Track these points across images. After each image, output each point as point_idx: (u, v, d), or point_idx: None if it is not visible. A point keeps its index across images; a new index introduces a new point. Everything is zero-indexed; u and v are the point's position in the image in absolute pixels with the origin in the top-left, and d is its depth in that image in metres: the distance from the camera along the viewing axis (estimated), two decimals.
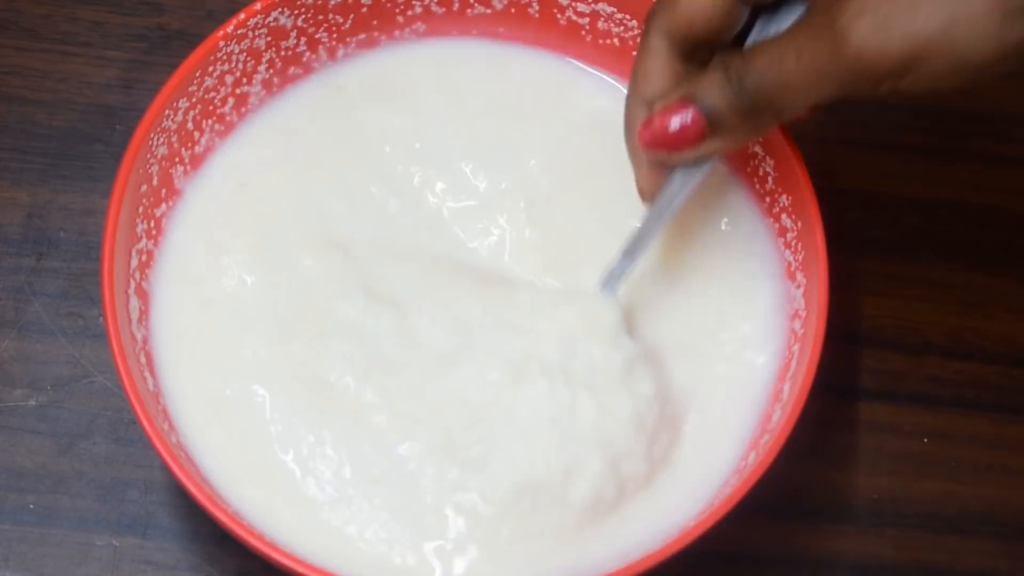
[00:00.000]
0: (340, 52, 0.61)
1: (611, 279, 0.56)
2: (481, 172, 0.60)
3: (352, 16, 0.61)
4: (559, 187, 0.60)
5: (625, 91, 0.54)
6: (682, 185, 0.54)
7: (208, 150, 0.59)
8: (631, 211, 0.57)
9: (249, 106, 0.60)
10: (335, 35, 0.61)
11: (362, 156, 0.60)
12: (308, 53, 0.61)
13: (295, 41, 0.60)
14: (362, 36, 0.61)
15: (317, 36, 0.61)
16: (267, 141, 0.60)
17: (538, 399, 0.54)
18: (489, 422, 0.54)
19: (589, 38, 0.62)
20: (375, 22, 0.61)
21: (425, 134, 0.61)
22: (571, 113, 0.61)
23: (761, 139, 0.59)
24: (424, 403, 0.55)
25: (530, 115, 0.61)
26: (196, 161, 0.59)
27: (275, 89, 0.61)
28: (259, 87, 0.60)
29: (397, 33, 0.62)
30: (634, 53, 0.53)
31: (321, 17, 0.60)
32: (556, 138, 0.61)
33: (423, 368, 0.55)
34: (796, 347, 0.56)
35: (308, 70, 0.61)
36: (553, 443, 0.54)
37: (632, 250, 0.56)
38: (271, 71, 0.60)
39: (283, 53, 0.60)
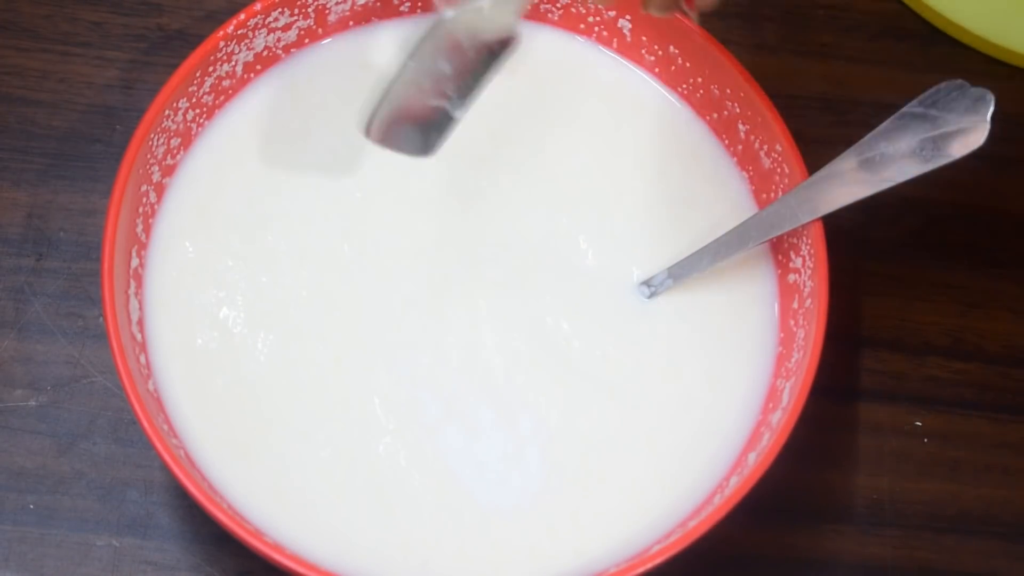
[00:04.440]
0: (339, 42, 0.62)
1: (649, 287, 0.58)
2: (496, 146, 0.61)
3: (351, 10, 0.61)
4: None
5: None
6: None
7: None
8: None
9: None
10: (334, 29, 0.61)
11: (362, 136, 0.60)
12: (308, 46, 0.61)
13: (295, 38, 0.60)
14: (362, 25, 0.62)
15: (317, 31, 0.61)
16: (260, 137, 0.60)
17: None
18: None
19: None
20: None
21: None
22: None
23: (763, 140, 0.59)
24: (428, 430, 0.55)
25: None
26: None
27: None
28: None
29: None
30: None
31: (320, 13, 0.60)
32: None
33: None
34: (796, 347, 0.56)
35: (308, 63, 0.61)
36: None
37: (678, 274, 0.57)
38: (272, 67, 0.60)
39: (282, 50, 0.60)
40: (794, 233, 0.57)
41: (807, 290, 0.56)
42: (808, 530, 0.60)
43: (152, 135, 0.56)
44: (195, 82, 0.57)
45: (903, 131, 0.53)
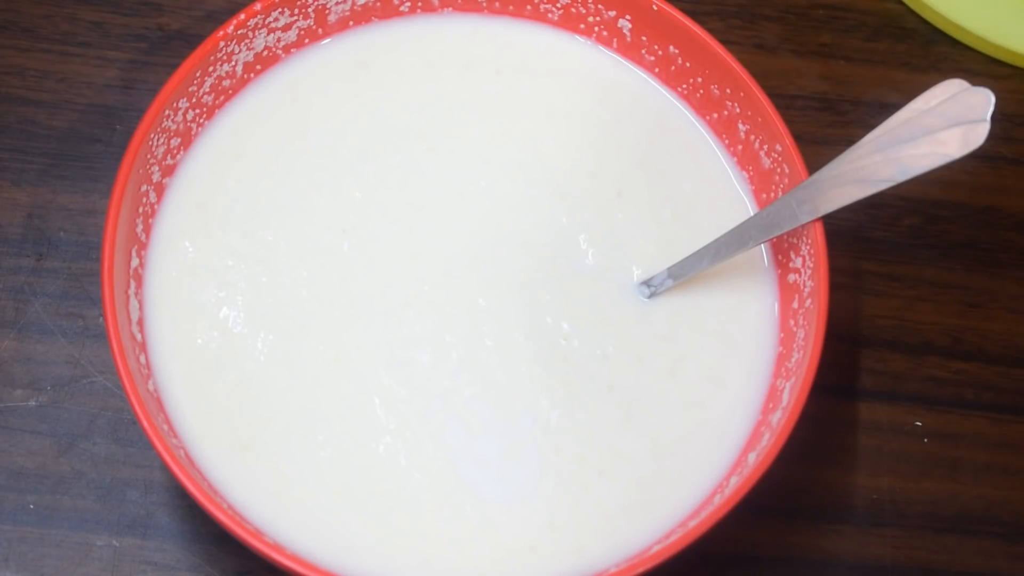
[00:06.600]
0: (341, 41, 0.62)
1: (649, 287, 0.58)
2: (487, 147, 0.60)
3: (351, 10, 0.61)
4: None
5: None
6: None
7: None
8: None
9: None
10: (334, 29, 0.61)
11: (362, 136, 0.60)
12: (309, 46, 0.61)
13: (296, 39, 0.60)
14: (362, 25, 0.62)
15: (317, 31, 0.61)
16: (260, 137, 0.60)
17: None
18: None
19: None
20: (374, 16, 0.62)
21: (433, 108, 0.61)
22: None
23: (763, 140, 0.59)
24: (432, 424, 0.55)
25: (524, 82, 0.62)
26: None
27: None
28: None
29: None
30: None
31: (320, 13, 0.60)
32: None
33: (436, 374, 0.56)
34: (796, 347, 0.56)
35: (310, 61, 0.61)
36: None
37: (678, 274, 0.57)
38: (271, 67, 0.60)
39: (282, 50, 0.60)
40: (794, 233, 0.57)
41: (807, 290, 0.56)
42: (808, 530, 0.60)
43: (152, 135, 0.56)
44: (195, 82, 0.57)
45: (903, 131, 0.53)
